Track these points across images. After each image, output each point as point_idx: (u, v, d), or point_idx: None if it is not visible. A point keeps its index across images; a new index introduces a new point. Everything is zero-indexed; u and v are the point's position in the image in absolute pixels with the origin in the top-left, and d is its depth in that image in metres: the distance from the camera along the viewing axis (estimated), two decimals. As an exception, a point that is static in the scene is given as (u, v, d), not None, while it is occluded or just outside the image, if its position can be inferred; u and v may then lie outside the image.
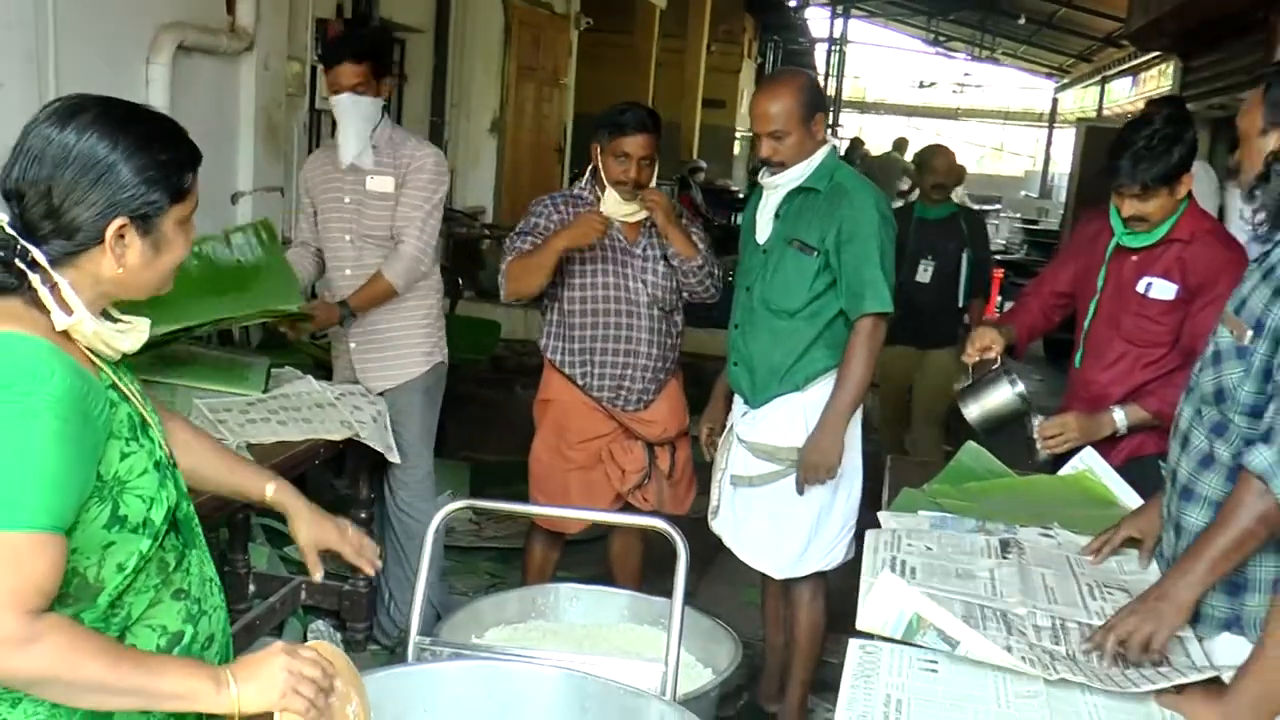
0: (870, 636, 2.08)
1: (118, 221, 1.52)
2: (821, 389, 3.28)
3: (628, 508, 3.70)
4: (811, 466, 3.22)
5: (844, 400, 3.21)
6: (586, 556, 4.43)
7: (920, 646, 2.06)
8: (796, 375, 3.28)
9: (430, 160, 3.71)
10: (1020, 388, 3.33)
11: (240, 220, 5.02)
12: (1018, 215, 17.18)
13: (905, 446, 5.73)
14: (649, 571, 3.87)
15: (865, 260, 3.16)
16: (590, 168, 3.63)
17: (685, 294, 3.69)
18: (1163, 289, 3.07)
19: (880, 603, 2.08)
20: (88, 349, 1.55)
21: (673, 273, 3.63)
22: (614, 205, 3.52)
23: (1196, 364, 2.32)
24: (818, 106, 3.25)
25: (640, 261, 3.60)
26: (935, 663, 1.96)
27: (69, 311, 1.51)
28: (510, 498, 3.68)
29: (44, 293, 1.50)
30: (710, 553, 3.88)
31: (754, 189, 3.54)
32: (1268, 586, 2.18)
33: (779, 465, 3.30)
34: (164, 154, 1.56)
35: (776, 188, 3.29)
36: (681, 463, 3.80)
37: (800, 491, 3.27)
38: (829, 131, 3.32)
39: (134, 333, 1.63)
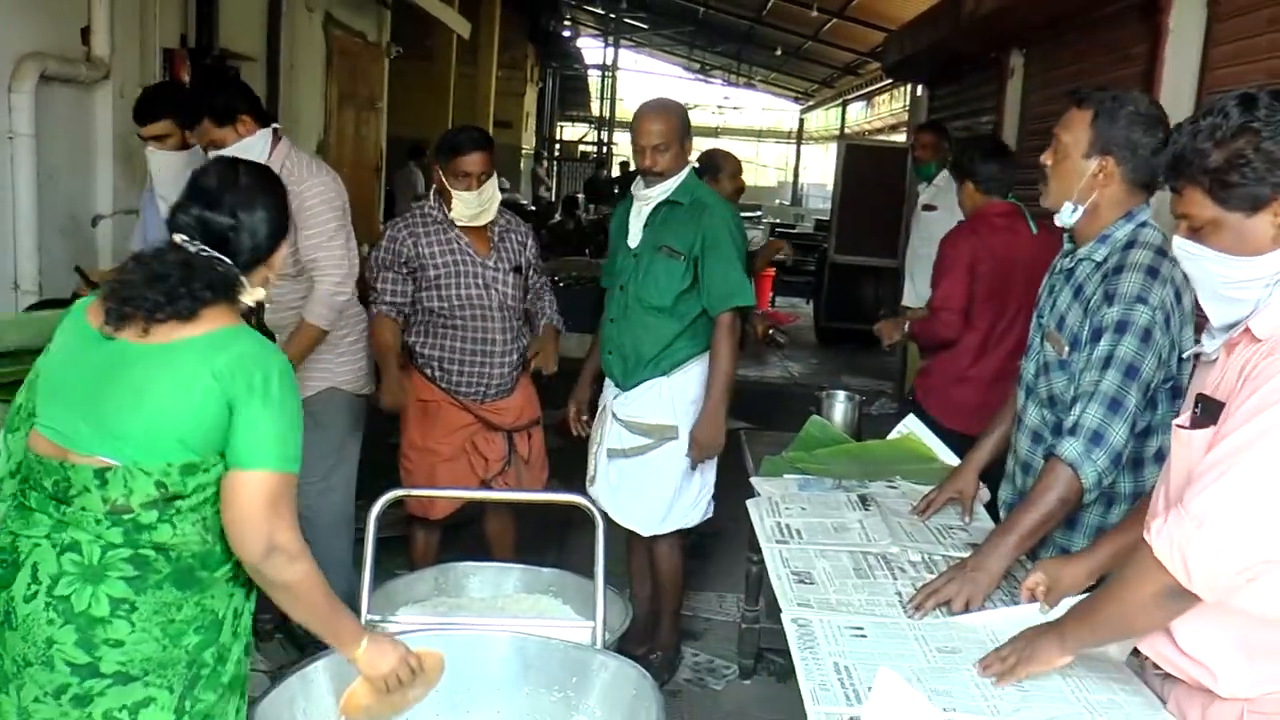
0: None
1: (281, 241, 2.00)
2: (683, 374, 3.51)
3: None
4: (703, 447, 3.48)
5: (718, 388, 3.46)
6: (462, 536, 4.48)
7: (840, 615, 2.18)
8: (664, 363, 3.50)
9: (312, 191, 3.40)
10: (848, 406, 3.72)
11: (100, 241, 4.82)
12: (778, 220, 17.90)
13: None
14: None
15: (729, 264, 3.43)
16: (434, 188, 3.68)
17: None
18: None
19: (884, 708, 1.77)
20: None
21: (520, 280, 3.75)
22: (463, 213, 3.61)
23: (1030, 369, 2.45)
24: (688, 133, 3.53)
25: (492, 272, 3.68)
26: (862, 629, 2.03)
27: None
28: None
29: (246, 293, 1.91)
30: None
31: (623, 200, 3.76)
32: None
33: (650, 439, 3.53)
34: (284, 199, 2.05)
35: (649, 200, 3.51)
36: (536, 447, 3.88)
37: (693, 468, 3.53)
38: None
39: None
